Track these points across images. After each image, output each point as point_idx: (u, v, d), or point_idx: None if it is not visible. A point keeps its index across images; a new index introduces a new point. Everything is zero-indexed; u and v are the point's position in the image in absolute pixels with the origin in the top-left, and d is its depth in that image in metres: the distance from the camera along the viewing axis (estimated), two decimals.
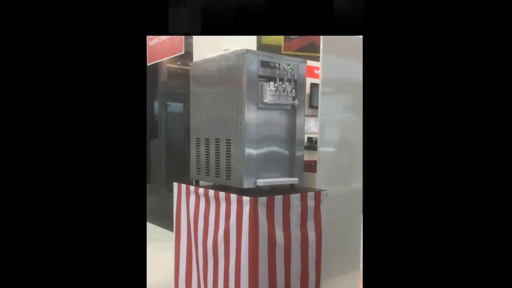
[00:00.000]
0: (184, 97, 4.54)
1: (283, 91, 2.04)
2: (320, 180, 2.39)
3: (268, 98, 2.00)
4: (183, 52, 3.77)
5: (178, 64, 4.70)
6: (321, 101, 2.40)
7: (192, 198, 2.26)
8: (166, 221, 4.01)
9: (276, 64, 2.04)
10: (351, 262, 2.64)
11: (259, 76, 2.00)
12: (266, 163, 2.07)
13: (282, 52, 4.67)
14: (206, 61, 2.22)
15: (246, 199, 1.92)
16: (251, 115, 1.98)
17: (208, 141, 2.19)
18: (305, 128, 2.24)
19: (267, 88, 2.00)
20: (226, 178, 2.07)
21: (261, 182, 2.02)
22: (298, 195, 2.09)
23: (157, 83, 5.07)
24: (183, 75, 4.25)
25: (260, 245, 1.93)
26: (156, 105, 5.22)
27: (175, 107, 5.10)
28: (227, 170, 2.06)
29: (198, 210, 2.22)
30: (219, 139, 2.11)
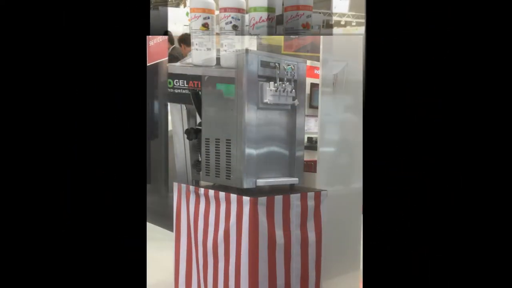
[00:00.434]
0: None
1: (283, 91, 2.04)
2: (320, 180, 2.39)
3: (268, 98, 2.00)
4: None
5: None
6: (321, 101, 2.40)
7: (192, 198, 2.26)
8: (166, 221, 4.01)
9: (276, 64, 2.04)
10: (351, 262, 2.64)
11: (259, 76, 2.00)
12: (266, 163, 2.07)
13: (282, 52, 4.66)
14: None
15: (246, 199, 1.92)
16: (251, 115, 1.98)
17: (208, 141, 2.19)
18: (305, 128, 2.24)
19: (267, 88, 2.00)
20: (226, 178, 2.07)
21: (261, 182, 2.02)
22: (298, 195, 2.09)
23: (157, 83, 5.07)
24: None
25: (260, 245, 1.93)
26: (156, 105, 5.21)
27: None
28: (227, 170, 2.06)
29: (198, 210, 2.22)
30: (219, 139, 2.11)
